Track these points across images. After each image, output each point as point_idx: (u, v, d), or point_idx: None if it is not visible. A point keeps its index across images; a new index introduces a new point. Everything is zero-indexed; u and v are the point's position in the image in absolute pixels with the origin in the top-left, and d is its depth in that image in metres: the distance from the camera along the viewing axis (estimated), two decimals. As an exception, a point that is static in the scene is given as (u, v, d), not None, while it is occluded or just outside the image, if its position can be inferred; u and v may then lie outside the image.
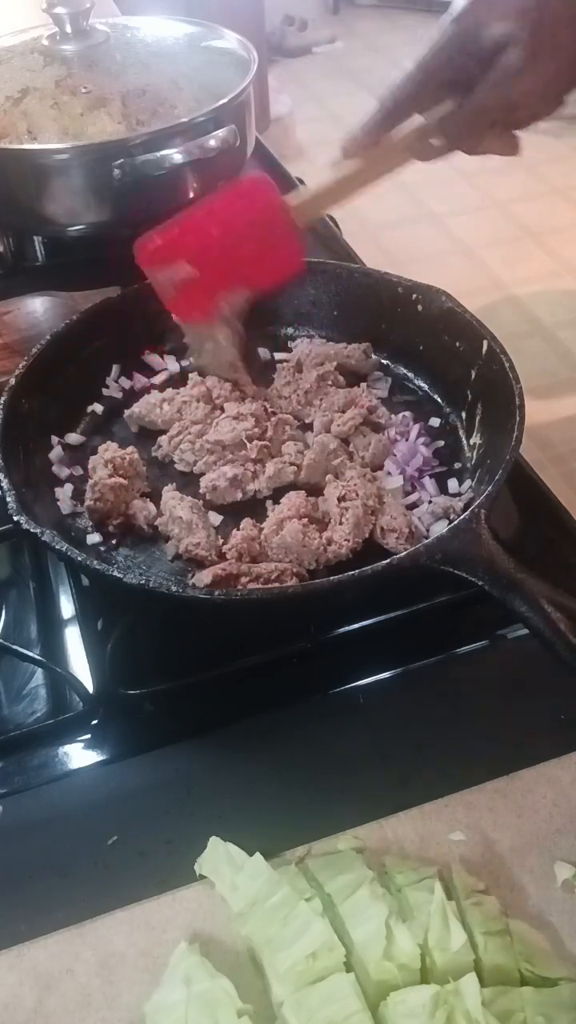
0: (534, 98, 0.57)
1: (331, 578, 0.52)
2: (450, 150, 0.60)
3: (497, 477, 0.55)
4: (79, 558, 0.52)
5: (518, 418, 0.58)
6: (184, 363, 0.76)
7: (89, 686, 0.56)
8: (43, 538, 0.53)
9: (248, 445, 0.64)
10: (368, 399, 0.69)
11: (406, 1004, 0.43)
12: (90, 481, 0.62)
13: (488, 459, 0.62)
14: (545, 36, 0.53)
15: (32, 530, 0.53)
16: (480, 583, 0.47)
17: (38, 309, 0.82)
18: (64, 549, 0.52)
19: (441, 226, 2.65)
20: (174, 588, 0.52)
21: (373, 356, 0.75)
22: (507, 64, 0.54)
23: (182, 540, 0.59)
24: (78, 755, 0.54)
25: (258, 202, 0.62)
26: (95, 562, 0.53)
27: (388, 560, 0.51)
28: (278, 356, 0.75)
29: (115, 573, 0.51)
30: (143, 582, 0.51)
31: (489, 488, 0.54)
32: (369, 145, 0.60)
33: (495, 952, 0.46)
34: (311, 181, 0.63)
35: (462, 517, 0.51)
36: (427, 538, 0.58)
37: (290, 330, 0.78)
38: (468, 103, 0.57)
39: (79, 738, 0.54)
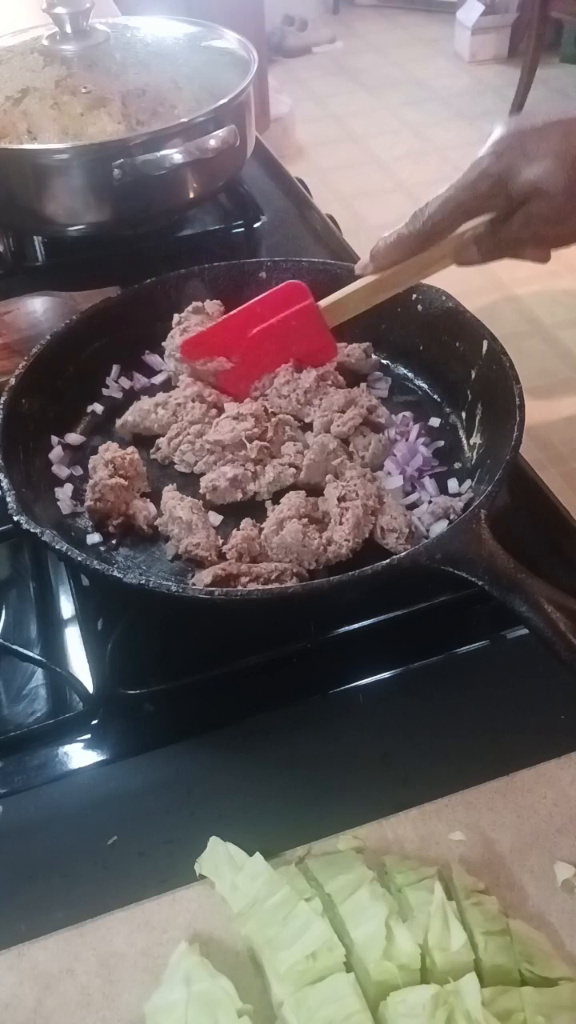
0: (565, 238, 0.59)
1: (331, 578, 0.52)
2: (484, 262, 0.63)
3: (497, 477, 0.55)
4: (79, 558, 0.52)
5: (518, 418, 0.58)
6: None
7: (89, 686, 0.56)
8: (43, 538, 0.53)
9: (248, 445, 0.64)
10: (368, 399, 0.69)
11: (406, 1004, 0.43)
12: (90, 481, 0.62)
13: (488, 459, 0.62)
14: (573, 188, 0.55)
15: (32, 530, 0.53)
16: (480, 583, 0.47)
17: (38, 309, 0.82)
18: (64, 549, 0.52)
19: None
20: (174, 588, 0.52)
21: (373, 356, 0.75)
22: (539, 213, 0.57)
23: (182, 540, 0.59)
24: (78, 755, 0.54)
25: (293, 306, 0.68)
26: (95, 562, 0.53)
27: (388, 560, 0.51)
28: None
29: (115, 573, 0.51)
30: (143, 582, 0.51)
31: (489, 488, 0.54)
32: (396, 262, 0.64)
33: (495, 952, 0.46)
34: (343, 287, 0.69)
35: (462, 517, 0.51)
36: (427, 538, 0.58)
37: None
38: (501, 233, 0.60)
39: (79, 738, 0.54)
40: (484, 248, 0.62)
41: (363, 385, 0.71)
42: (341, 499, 0.60)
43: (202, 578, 0.56)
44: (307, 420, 0.70)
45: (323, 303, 0.68)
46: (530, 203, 0.56)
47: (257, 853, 0.50)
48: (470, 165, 0.59)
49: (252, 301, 0.69)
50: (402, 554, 0.51)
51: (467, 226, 0.61)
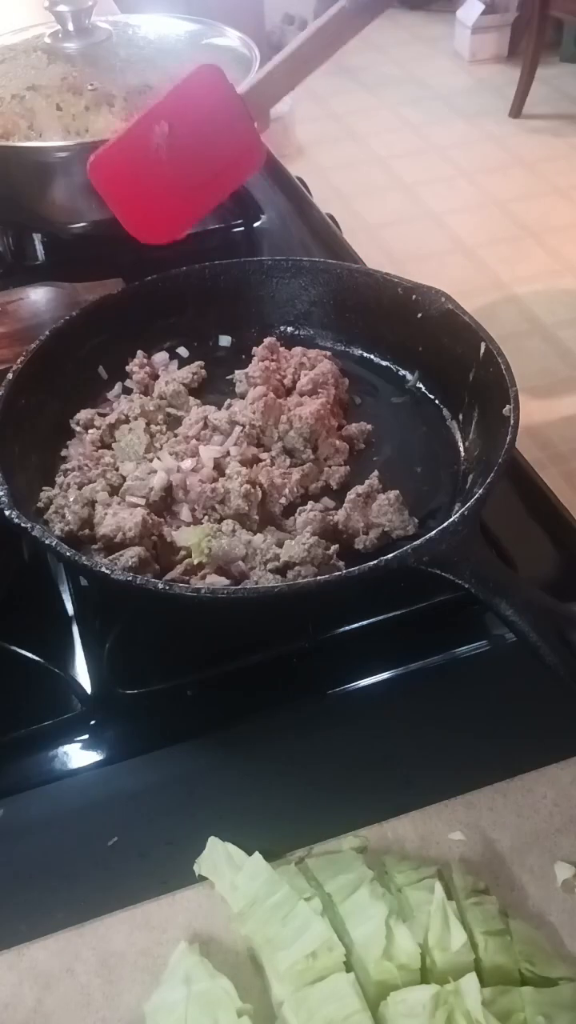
0: None
1: (317, 578, 0.52)
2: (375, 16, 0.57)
3: (489, 480, 0.55)
4: (68, 553, 0.52)
5: (512, 422, 0.58)
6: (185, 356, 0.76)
7: (87, 686, 0.56)
8: (32, 533, 0.53)
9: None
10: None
11: (406, 1004, 0.44)
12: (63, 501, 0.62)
13: (482, 462, 0.62)
14: None
15: (23, 524, 0.53)
16: (467, 586, 0.47)
17: (40, 299, 0.82)
18: (53, 544, 0.52)
19: (441, 225, 2.65)
20: (160, 585, 0.51)
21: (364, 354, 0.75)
22: None
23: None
24: (77, 756, 0.54)
25: (206, 93, 0.57)
26: (83, 558, 0.52)
27: (375, 562, 0.51)
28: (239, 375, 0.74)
29: (103, 569, 0.51)
30: (130, 578, 0.51)
31: (480, 491, 0.54)
32: (314, 19, 0.56)
33: (495, 952, 0.46)
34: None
35: (451, 520, 0.51)
36: (414, 538, 0.58)
37: (289, 329, 0.78)
38: None
39: (78, 739, 0.54)
40: None
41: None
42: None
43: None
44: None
45: (243, 87, 0.59)
46: None
47: (256, 853, 0.50)
48: None
49: (161, 94, 0.58)
50: (389, 556, 0.51)
51: None
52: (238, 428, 0.66)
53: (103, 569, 0.51)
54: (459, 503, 0.61)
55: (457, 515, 0.51)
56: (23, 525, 0.53)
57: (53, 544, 0.52)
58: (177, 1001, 0.45)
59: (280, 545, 0.56)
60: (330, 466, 0.65)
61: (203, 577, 0.56)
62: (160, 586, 0.50)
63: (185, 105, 0.57)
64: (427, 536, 0.51)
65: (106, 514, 0.59)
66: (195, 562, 0.57)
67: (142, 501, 0.61)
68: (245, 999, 0.45)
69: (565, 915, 0.50)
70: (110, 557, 0.56)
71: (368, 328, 0.75)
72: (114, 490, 0.62)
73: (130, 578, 0.50)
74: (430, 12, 4.09)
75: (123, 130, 0.56)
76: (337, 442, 0.66)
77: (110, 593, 0.59)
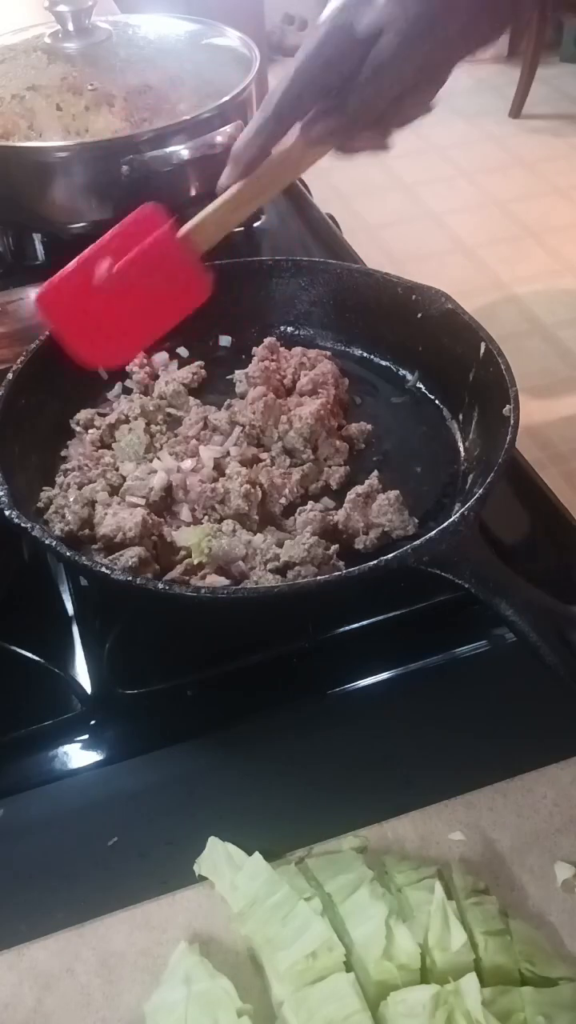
0: (405, 86, 0.54)
1: (318, 578, 0.52)
2: (336, 144, 0.57)
3: (488, 480, 0.55)
4: (68, 553, 0.52)
5: (512, 421, 0.58)
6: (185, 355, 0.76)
7: (87, 686, 0.56)
8: (32, 532, 0.52)
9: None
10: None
11: (406, 1004, 0.44)
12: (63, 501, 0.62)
13: (482, 462, 0.62)
14: (422, 21, 0.51)
15: (23, 524, 0.53)
16: (467, 586, 0.47)
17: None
18: (53, 544, 0.52)
19: (441, 225, 2.65)
20: (160, 585, 0.51)
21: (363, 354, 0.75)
22: (387, 48, 0.51)
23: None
24: (77, 756, 0.54)
25: (147, 232, 0.60)
26: (83, 558, 0.52)
27: (375, 562, 0.51)
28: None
29: (103, 569, 0.51)
30: (130, 578, 0.51)
31: (480, 491, 0.54)
32: (254, 162, 0.58)
33: (495, 952, 0.46)
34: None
35: (451, 520, 0.51)
36: (413, 538, 0.58)
37: (289, 329, 0.78)
38: (340, 109, 0.55)
39: (78, 739, 0.54)
40: (333, 122, 0.55)
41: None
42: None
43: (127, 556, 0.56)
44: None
45: (183, 229, 0.60)
46: (378, 42, 0.51)
47: (256, 853, 0.50)
48: (310, 31, 0.53)
49: (107, 234, 0.60)
50: (389, 556, 0.51)
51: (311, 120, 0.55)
52: (238, 428, 0.66)
53: (103, 569, 0.51)
54: (459, 503, 0.61)
55: (457, 515, 0.51)
56: (23, 525, 0.53)
57: (53, 544, 0.52)
58: (177, 1001, 0.45)
59: (280, 545, 0.57)
60: (330, 466, 0.65)
61: (203, 577, 0.56)
62: (160, 586, 0.50)
63: (128, 243, 0.60)
64: (427, 536, 0.51)
65: (106, 514, 0.59)
66: (195, 562, 0.57)
67: (142, 501, 0.61)
68: (245, 999, 0.45)
69: (565, 915, 0.50)
70: (110, 557, 0.56)
71: (368, 328, 0.75)
72: (114, 490, 0.62)
73: (130, 578, 0.50)
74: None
75: (69, 266, 0.59)
76: (337, 442, 0.66)
77: (110, 593, 0.59)
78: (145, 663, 0.58)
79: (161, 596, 0.50)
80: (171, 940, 0.49)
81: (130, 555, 0.55)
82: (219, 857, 0.51)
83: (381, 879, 0.50)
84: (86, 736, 0.54)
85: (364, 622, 0.58)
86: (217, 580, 0.55)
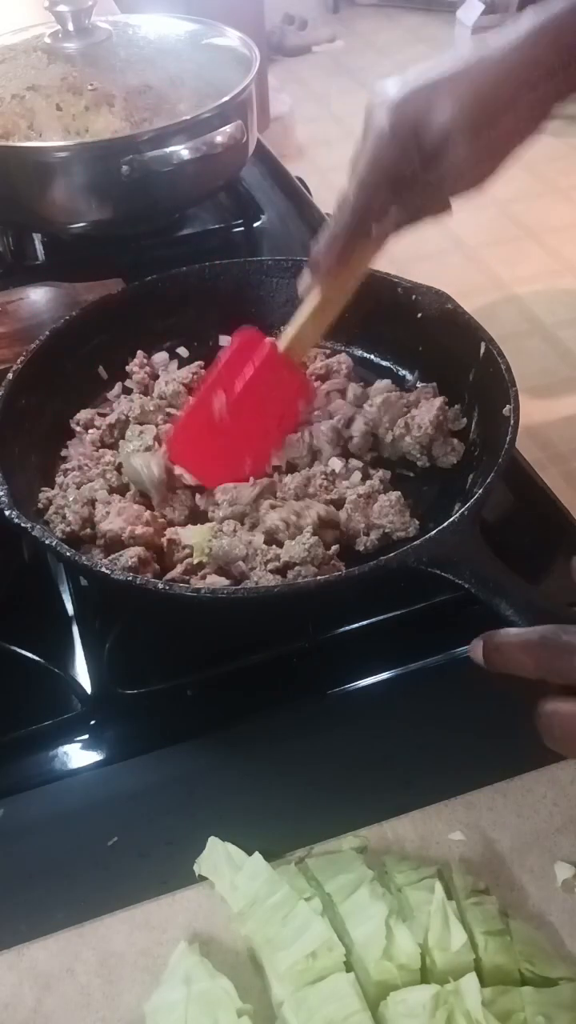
0: (478, 180, 0.57)
1: (317, 578, 0.52)
2: (398, 231, 0.60)
3: (488, 480, 0.55)
4: (68, 553, 0.52)
5: (512, 422, 0.58)
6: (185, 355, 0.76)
7: (87, 686, 0.56)
8: (33, 533, 0.52)
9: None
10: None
11: (406, 1004, 0.44)
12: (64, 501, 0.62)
13: (483, 462, 0.62)
14: (487, 128, 0.54)
15: (23, 524, 0.53)
16: (467, 586, 0.47)
17: (40, 299, 0.83)
18: (54, 544, 0.52)
19: (441, 225, 2.63)
20: (161, 585, 0.51)
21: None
22: (454, 161, 0.54)
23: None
24: (77, 756, 0.53)
25: (250, 356, 0.63)
26: (83, 557, 0.52)
27: (375, 561, 0.51)
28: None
29: (103, 569, 0.51)
30: (130, 578, 0.51)
31: (479, 491, 0.54)
32: (338, 268, 0.59)
33: (495, 952, 0.46)
34: (291, 321, 0.64)
35: (451, 520, 0.51)
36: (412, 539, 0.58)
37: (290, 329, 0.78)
38: (416, 192, 0.57)
39: (78, 739, 0.54)
40: (404, 216, 0.58)
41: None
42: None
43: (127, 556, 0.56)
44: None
45: (283, 345, 0.64)
46: (445, 153, 0.54)
47: (256, 853, 0.50)
48: (372, 133, 0.55)
49: (215, 369, 0.63)
50: (389, 555, 0.51)
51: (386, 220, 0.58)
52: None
53: (103, 569, 0.51)
54: (459, 503, 0.61)
55: (457, 515, 0.51)
56: (23, 525, 0.53)
57: (53, 544, 0.52)
58: (177, 1001, 0.45)
59: (280, 545, 0.57)
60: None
61: (203, 577, 0.56)
62: (160, 586, 0.50)
63: (235, 372, 0.63)
64: (427, 536, 0.51)
65: (107, 513, 0.59)
66: (195, 561, 0.57)
67: (141, 498, 0.61)
68: (245, 999, 0.45)
69: (565, 915, 0.50)
70: (110, 557, 0.56)
71: (368, 328, 0.75)
72: (113, 490, 0.62)
73: (130, 578, 0.50)
74: (430, 12, 4.09)
75: (186, 409, 0.64)
76: (455, 441, 0.66)
77: (110, 593, 0.59)
78: (145, 663, 0.58)
79: (161, 596, 0.50)
80: (171, 940, 0.49)
81: (130, 555, 0.55)
82: (219, 857, 0.51)
83: (381, 879, 0.50)
84: (86, 736, 0.54)
85: (364, 622, 0.58)
86: (217, 580, 0.55)
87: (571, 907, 0.50)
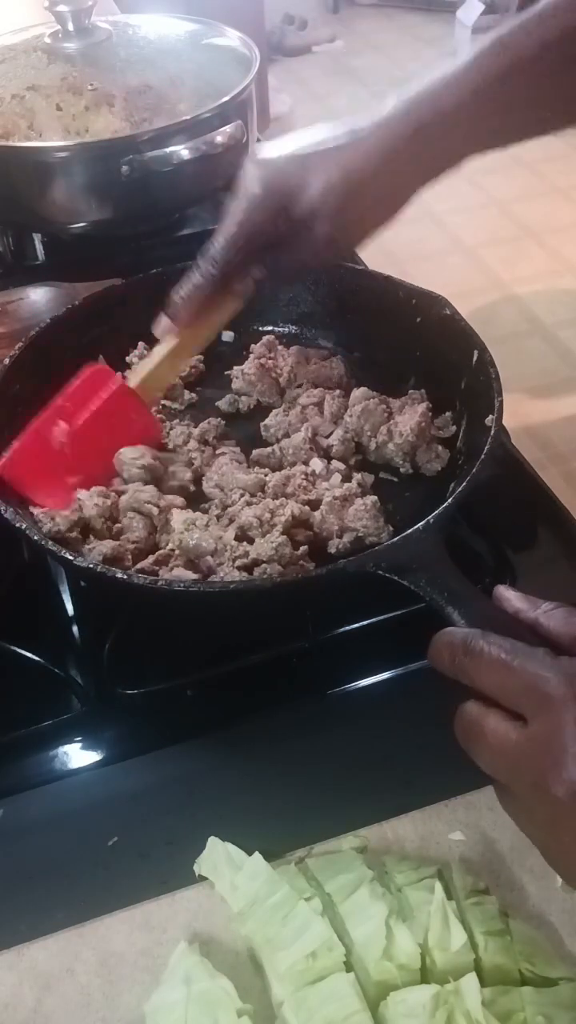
0: (340, 253, 0.63)
1: (274, 577, 0.52)
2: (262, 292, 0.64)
3: (459, 491, 0.54)
4: (41, 541, 0.52)
5: (492, 432, 0.57)
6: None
7: (88, 686, 0.56)
8: (14, 523, 0.52)
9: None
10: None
11: (406, 1004, 0.44)
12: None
13: (464, 471, 0.61)
14: (350, 207, 0.57)
15: (3, 514, 0.53)
16: (421, 594, 0.47)
17: (40, 299, 0.83)
18: (40, 540, 0.52)
19: (441, 225, 2.64)
20: (120, 575, 0.51)
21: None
22: (319, 233, 0.57)
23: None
24: (77, 756, 0.54)
25: (97, 392, 0.63)
26: (50, 543, 0.52)
27: (333, 564, 0.51)
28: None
29: (66, 555, 0.51)
30: (92, 565, 0.51)
31: (448, 501, 0.53)
32: (198, 313, 0.62)
33: (495, 952, 0.46)
34: (141, 362, 0.67)
35: (415, 528, 0.51)
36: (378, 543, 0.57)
37: (292, 328, 0.78)
38: (283, 258, 0.61)
39: (78, 739, 0.54)
40: (261, 274, 0.62)
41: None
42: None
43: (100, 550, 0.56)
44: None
45: (133, 382, 0.65)
46: (310, 225, 0.57)
47: (256, 852, 0.50)
48: (244, 194, 0.58)
49: (56, 399, 0.63)
50: (348, 559, 0.50)
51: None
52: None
53: (66, 555, 0.51)
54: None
55: (422, 523, 0.51)
56: (4, 515, 0.53)
57: (39, 540, 0.52)
58: (177, 1001, 0.45)
59: (251, 542, 0.57)
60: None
61: (171, 569, 0.55)
62: (120, 575, 0.50)
63: (79, 404, 0.63)
64: (389, 542, 0.50)
65: (95, 505, 0.59)
66: (168, 548, 0.57)
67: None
68: (245, 999, 0.45)
69: (565, 915, 0.50)
70: (88, 547, 0.57)
71: (369, 330, 0.75)
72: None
73: (92, 565, 0.51)
74: (430, 12, 4.09)
75: (23, 437, 0.62)
76: (439, 448, 0.66)
77: (77, 581, 0.61)
78: (145, 663, 0.58)
79: (122, 585, 0.50)
80: (171, 940, 0.49)
81: (101, 549, 0.55)
82: (219, 857, 0.51)
83: (381, 879, 0.50)
84: (86, 736, 0.54)
85: (364, 622, 0.58)
86: (184, 573, 0.55)
87: (571, 907, 0.50)
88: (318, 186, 0.56)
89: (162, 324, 0.64)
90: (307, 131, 0.60)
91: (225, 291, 0.62)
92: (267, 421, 0.69)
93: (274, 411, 0.69)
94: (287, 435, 0.67)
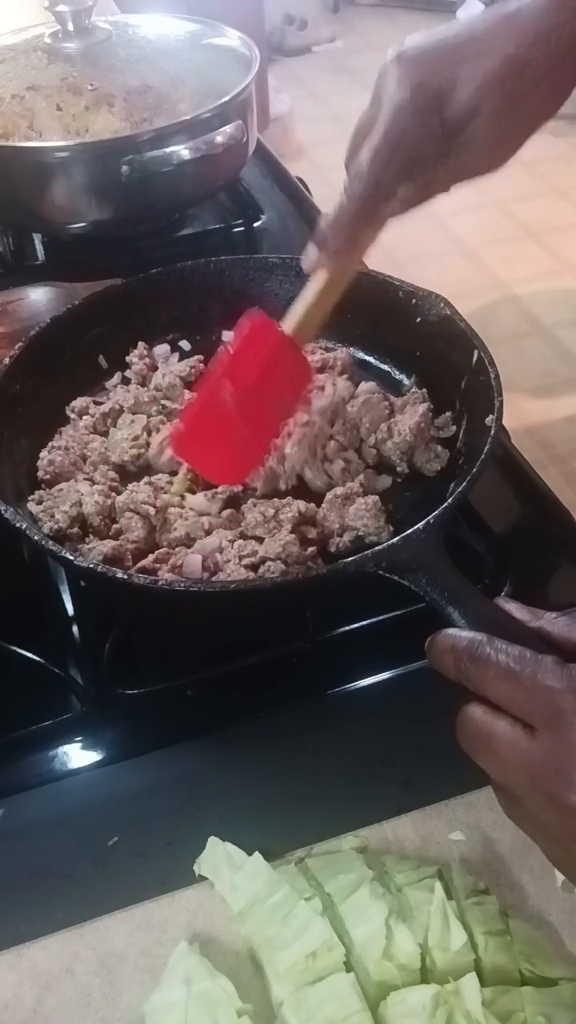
0: (496, 163, 0.54)
1: (274, 578, 0.52)
2: (405, 211, 0.55)
3: (459, 491, 0.54)
4: (40, 541, 0.52)
5: (492, 432, 0.57)
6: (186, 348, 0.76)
7: (88, 686, 0.56)
8: (7, 516, 0.52)
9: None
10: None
11: (406, 1004, 0.44)
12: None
13: (464, 471, 0.61)
14: (514, 101, 0.49)
15: (3, 514, 0.53)
16: (421, 594, 0.47)
17: (40, 299, 0.83)
18: (37, 537, 0.52)
19: (441, 225, 2.64)
20: (120, 575, 0.51)
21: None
22: (477, 136, 0.50)
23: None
24: (77, 756, 0.54)
25: (261, 342, 0.59)
26: (50, 543, 0.52)
27: (333, 564, 0.51)
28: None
29: (66, 555, 0.51)
30: (92, 565, 0.51)
31: (448, 501, 0.53)
32: (345, 247, 0.55)
33: (495, 952, 0.46)
34: (295, 304, 0.60)
35: (415, 528, 0.51)
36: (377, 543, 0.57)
37: (291, 328, 0.78)
38: (431, 172, 0.52)
39: (78, 739, 0.54)
40: (414, 195, 0.53)
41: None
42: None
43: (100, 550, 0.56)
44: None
45: (289, 328, 0.60)
46: (469, 127, 0.49)
47: (256, 853, 0.50)
48: (390, 103, 0.49)
49: (222, 355, 0.59)
50: (348, 559, 0.50)
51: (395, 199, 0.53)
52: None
53: (65, 555, 0.51)
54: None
55: (422, 523, 0.51)
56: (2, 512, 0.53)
57: (36, 537, 0.52)
58: (177, 1001, 0.45)
59: (260, 541, 0.57)
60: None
61: (172, 569, 0.55)
62: (120, 575, 0.50)
63: (245, 361, 0.58)
64: (389, 542, 0.50)
65: (95, 501, 0.59)
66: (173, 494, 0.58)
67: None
68: (245, 999, 0.45)
69: (565, 915, 0.50)
70: (89, 546, 0.57)
71: (369, 331, 0.75)
72: (95, 483, 0.63)
73: (92, 565, 0.51)
74: (430, 12, 4.10)
75: (191, 402, 0.60)
76: (438, 448, 0.66)
77: (76, 580, 0.61)
78: (145, 663, 0.58)
79: (120, 584, 0.50)
80: (171, 940, 0.49)
81: (101, 549, 0.55)
82: (219, 857, 0.51)
83: (381, 879, 0.50)
84: (86, 736, 0.54)
85: (364, 622, 0.58)
86: (191, 562, 0.55)
87: (571, 907, 0.50)
88: (477, 79, 0.48)
89: (310, 256, 0.56)
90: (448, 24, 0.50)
91: (372, 215, 0.53)
92: None
93: None
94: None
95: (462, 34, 0.49)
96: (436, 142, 0.50)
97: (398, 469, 0.65)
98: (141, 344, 0.74)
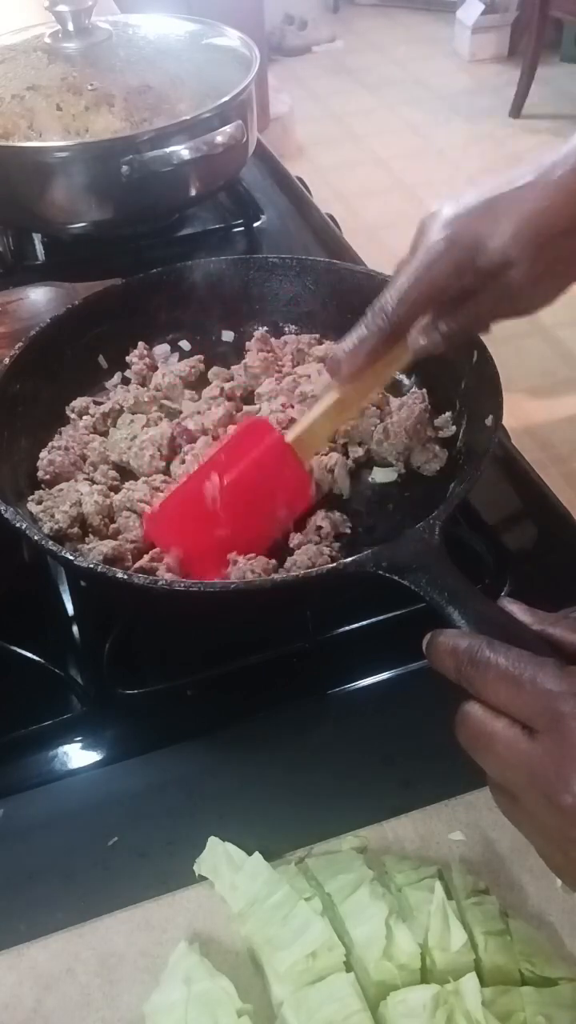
0: (535, 306, 0.55)
1: (273, 577, 0.52)
2: (445, 348, 0.57)
3: (459, 491, 0.54)
4: (40, 541, 0.51)
5: (492, 431, 0.57)
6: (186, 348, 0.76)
7: (88, 686, 0.56)
8: (6, 515, 0.52)
9: None
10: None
11: (406, 1004, 0.44)
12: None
13: (464, 471, 0.61)
14: (547, 251, 0.51)
15: (3, 514, 0.53)
16: (421, 594, 0.47)
17: (40, 299, 0.83)
18: (28, 531, 0.52)
19: (441, 225, 2.64)
20: (120, 575, 0.51)
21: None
22: (512, 284, 0.52)
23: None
24: (77, 756, 0.54)
25: (255, 446, 0.59)
26: (50, 543, 0.52)
27: (333, 564, 0.51)
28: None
29: (66, 555, 0.51)
30: (92, 565, 0.51)
31: (448, 501, 0.53)
32: (363, 370, 0.56)
33: (495, 952, 0.46)
34: (304, 415, 0.60)
35: (415, 528, 0.51)
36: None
37: (293, 328, 0.78)
38: (467, 310, 0.55)
39: (78, 739, 0.54)
40: (446, 329, 0.55)
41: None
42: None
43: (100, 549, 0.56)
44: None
45: (290, 437, 0.59)
46: (506, 274, 0.52)
47: (256, 852, 0.50)
48: (425, 247, 0.52)
49: (214, 452, 0.59)
50: (348, 560, 0.50)
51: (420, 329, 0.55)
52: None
53: (66, 555, 0.51)
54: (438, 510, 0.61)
55: (422, 523, 0.51)
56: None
57: (34, 535, 0.52)
58: (177, 1001, 0.45)
59: None
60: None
61: (168, 567, 0.56)
62: (120, 575, 0.50)
63: (235, 456, 0.59)
64: (387, 542, 0.50)
65: (95, 501, 0.59)
66: None
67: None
68: (245, 999, 0.45)
69: (565, 915, 0.50)
70: (89, 545, 0.57)
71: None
72: (95, 483, 0.63)
73: (92, 565, 0.51)
74: (430, 12, 4.10)
75: (175, 487, 0.59)
76: (437, 448, 0.66)
77: (76, 580, 0.60)
78: (145, 663, 0.58)
79: (120, 584, 0.49)
80: (171, 940, 0.49)
81: (101, 549, 0.55)
82: (219, 857, 0.51)
83: (381, 879, 0.50)
84: (86, 736, 0.54)
85: (364, 622, 0.58)
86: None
87: (571, 907, 0.50)
88: (509, 230, 0.50)
89: (322, 378, 0.59)
90: (482, 184, 0.53)
91: (396, 344, 0.56)
92: (260, 389, 0.69)
93: (268, 379, 0.69)
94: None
95: (500, 188, 0.52)
96: (466, 286, 0.53)
97: (394, 469, 0.65)
98: (141, 344, 0.74)
